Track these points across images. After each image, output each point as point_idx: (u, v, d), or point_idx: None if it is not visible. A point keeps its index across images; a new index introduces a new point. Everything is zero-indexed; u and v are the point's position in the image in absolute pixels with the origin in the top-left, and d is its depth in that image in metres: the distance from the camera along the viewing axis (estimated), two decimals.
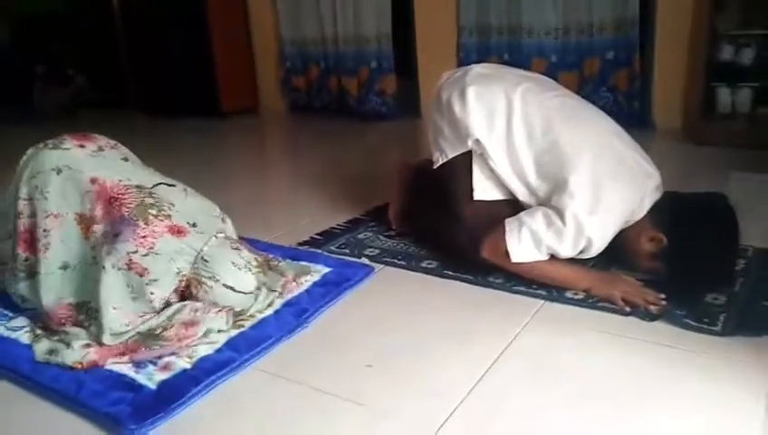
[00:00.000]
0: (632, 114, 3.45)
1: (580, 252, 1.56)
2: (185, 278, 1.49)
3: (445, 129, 1.77)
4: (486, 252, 1.62)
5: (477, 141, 1.68)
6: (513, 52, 3.75)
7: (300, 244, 2.04)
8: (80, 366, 1.33)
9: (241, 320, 1.50)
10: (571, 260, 1.59)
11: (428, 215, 1.92)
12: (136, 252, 1.43)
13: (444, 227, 1.79)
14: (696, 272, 1.50)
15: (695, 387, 1.20)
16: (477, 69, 1.84)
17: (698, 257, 1.49)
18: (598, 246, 1.54)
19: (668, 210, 1.58)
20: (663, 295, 1.49)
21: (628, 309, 1.48)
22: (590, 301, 1.54)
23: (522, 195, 1.68)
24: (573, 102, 1.75)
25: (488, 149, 1.67)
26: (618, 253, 1.64)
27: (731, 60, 3.01)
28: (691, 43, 3.26)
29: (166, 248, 1.46)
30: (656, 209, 1.59)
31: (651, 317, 1.45)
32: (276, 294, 1.62)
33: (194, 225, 1.54)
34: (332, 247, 1.99)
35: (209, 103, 4.73)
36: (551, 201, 1.57)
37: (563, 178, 1.55)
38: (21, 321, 1.56)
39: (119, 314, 1.43)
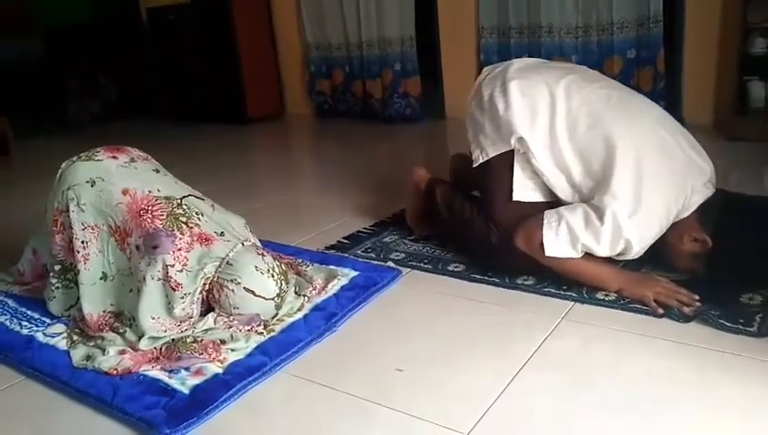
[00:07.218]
0: None
1: (619, 254, 1.52)
2: (208, 281, 1.50)
3: (486, 126, 1.72)
4: (520, 241, 1.59)
5: (520, 139, 1.63)
6: (533, 52, 3.69)
7: (327, 247, 2.05)
8: (115, 372, 1.35)
9: (271, 324, 1.52)
10: (604, 259, 1.55)
11: (454, 218, 1.89)
12: (173, 266, 1.45)
13: (474, 228, 1.75)
14: (733, 272, 1.47)
15: (730, 389, 1.18)
16: (518, 63, 1.80)
17: (737, 259, 1.45)
18: (637, 249, 1.49)
19: (718, 211, 1.51)
20: (697, 296, 1.46)
21: (661, 311, 1.45)
22: (622, 302, 1.52)
23: (564, 192, 1.63)
24: (619, 94, 1.68)
25: (531, 147, 1.62)
26: (656, 249, 1.58)
27: (763, 53, 2.94)
28: (722, 36, 3.19)
29: (196, 262, 1.48)
30: (704, 208, 1.52)
31: (685, 318, 1.42)
32: (305, 298, 1.63)
33: (221, 234, 1.56)
34: (359, 251, 2.00)
35: (235, 110, 4.79)
36: (593, 199, 1.53)
37: (606, 177, 1.51)
38: (59, 327, 1.60)
39: (156, 323, 1.46)
